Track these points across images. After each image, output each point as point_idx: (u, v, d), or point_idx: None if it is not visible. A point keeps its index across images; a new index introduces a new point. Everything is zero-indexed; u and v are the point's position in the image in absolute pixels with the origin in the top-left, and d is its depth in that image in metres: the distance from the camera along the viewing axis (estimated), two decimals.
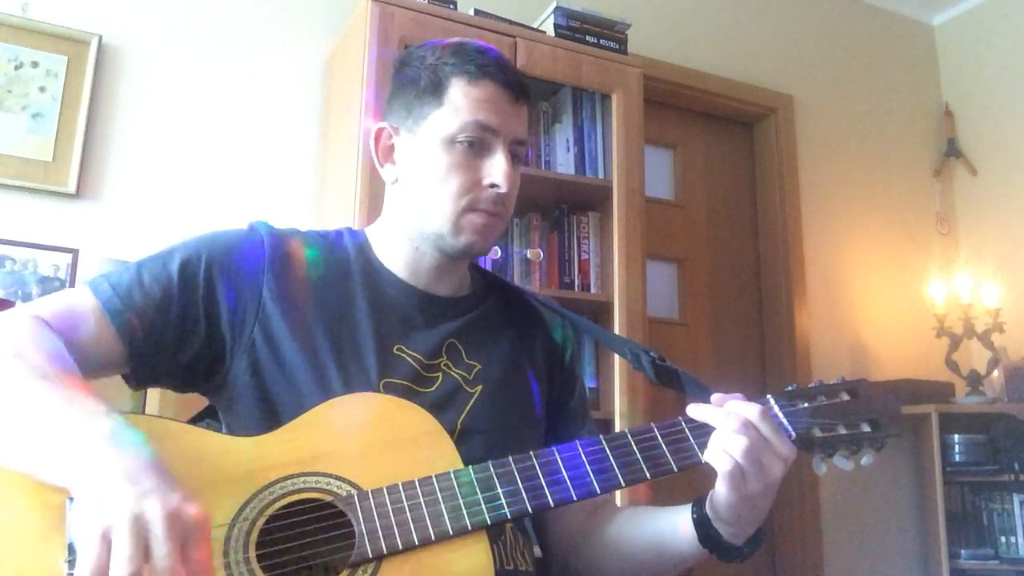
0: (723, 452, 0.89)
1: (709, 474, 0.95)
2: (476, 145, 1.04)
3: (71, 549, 0.76)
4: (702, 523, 0.96)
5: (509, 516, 0.87)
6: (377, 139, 1.12)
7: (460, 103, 1.04)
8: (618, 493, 2.15)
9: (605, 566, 1.07)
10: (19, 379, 0.81)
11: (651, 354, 1.12)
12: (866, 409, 0.99)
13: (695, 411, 0.94)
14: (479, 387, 1.05)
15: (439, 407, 0.99)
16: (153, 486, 0.71)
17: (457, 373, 1.05)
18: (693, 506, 0.98)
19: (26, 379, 0.81)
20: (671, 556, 1.01)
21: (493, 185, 1.04)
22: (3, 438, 0.80)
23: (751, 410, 0.91)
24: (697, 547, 0.96)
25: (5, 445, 0.80)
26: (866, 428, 0.98)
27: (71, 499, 0.78)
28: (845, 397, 1.00)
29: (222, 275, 1.00)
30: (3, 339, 0.86)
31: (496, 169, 1.04)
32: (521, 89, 1.08)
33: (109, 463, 0.73)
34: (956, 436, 3.21)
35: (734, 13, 3.53)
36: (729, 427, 0.90)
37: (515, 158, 1.07)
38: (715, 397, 0.96)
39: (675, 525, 1.00)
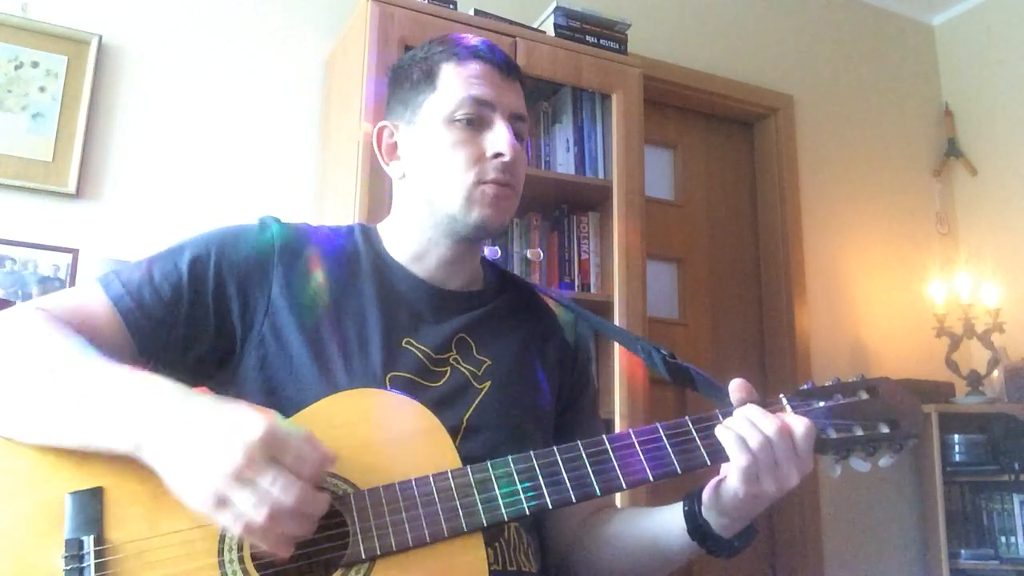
0: (740, 440, 0.88)
1: (708, 476, 0.94)
2: (475, 122, 1.05)
3: (68, 545, 0.77)
4: (692, 516, 0.96)
5: (506, 518, 0.86)
6: (379, 139, 1.13)
7: (452, 83, 1.05)
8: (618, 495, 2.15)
9: (600, 566, 1.07)
10: (52, 358, 0.84)
11: (663, 352, 1.11)
12: (885, 409, 0.95)
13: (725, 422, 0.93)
14: (488, 383, 1.04)
15: (446, 402, 0.99)
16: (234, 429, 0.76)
17: (466, 368, 1.04)
18: (684, 499, 0.98)
19: (59, 357, 0.84)
20: (662, 552, 1.01)
21: (498, 155, 1.04)
22: (52, 413, 0.81)
23: (799, 422, 0.91)
24: (687, 540, 0.96)
25: (54, 420, 0.81)
26: (884, 429, 0.94)
27: (71, 494, 0.79)
28: (864, 396, 0.96)
29: (232, 271, 1.00)
30: (21, 328, 0.87)
31: (498, 139, 1.04)
32: (510, 66, 1.10)
33: (183, 417, 0.78)
34: (956, 436, 3.21)
35: (734, 13, 3.53)
36: (752, 422, 0.90)
37: (517, 136, 1.07)
38: (734, 384, 0.96)
39: (665, 520, 1.00)
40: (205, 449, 0.75)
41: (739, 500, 0.90)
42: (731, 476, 0.89)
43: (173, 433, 0.77)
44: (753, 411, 0.91)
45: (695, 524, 0.95)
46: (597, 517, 1.11)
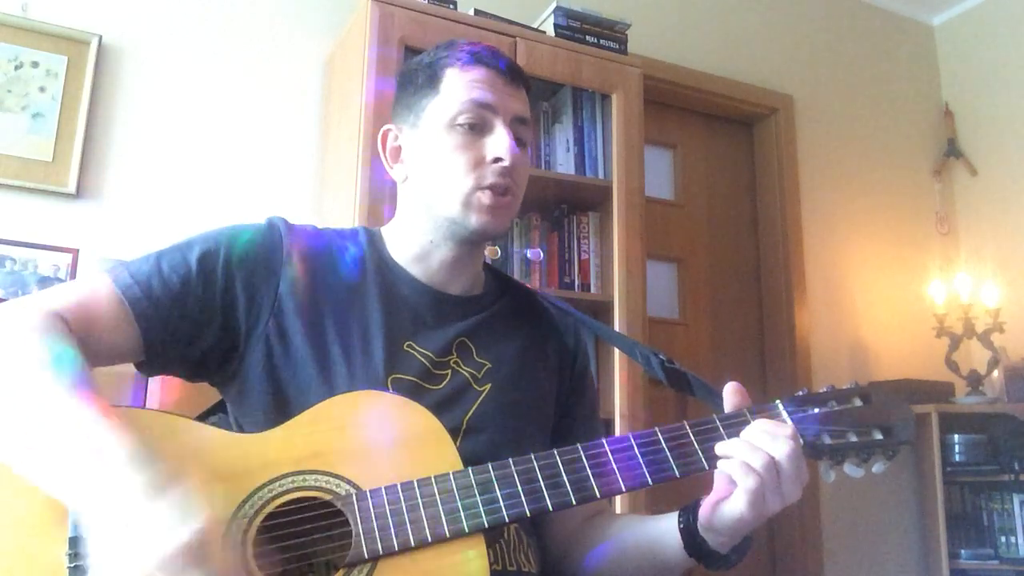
0: (745, 465, 0.88)
1: (706, 479, 0.94)
2: (477, 127, 1.06)
3: (72, 543, 0.77)
4: (689, 532, 0.95)
5: (507, 519, 0.86)
6: (384, 142, 1.14)
7: (456, 87, 1.06)
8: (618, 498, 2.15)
9: (598, 571, 1.07)
10: (23, 383, 0.81)
11: (660, 356, 1.12)
12: (878, 416, 0.96)
13: (722, 447, 0.91)
14: (488, 385, 1.05)
15: (446, 404, 1.00)
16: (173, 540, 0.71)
17: (466, 371, 1.05)
18: (680, 515, 0.97)
19: (30, 384, 0.81)
20: (659, 562, 1.01)
21: (497, 159, 1.04)
22: (8, 442, 0.80)
23: (784, 429, 0.90)
24: (684, 556, 0.96)
25: (10, 449, 0.80)
26: (878, 435, 0.95)
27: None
28: (857, 403, 0.97)
29: (240, 268, 1.01)
30: (10, 336, 0.85)
31: (499, 144, 1.05)
32: (515, 72, 1.10)
33: (121, 496, 0.73)
34: (956, 436, 3.21)
35: (734, 13, 3.53)
36: (755, 445, 0.89)
37: (519, 141, 1.08)
38: (728, 387, 0.96)
39: (662, 532, 0.99)
40: (135, 537, 0.72)
41: (744, 522, 0.90)
42: (737, 500, 0.88)
43: (107, 514, 0.73)
44: (755, 434, 0.90)
45: (692, 541, 0.95)
46: (595, 521, 1.11)
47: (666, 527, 0.99)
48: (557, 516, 1.08)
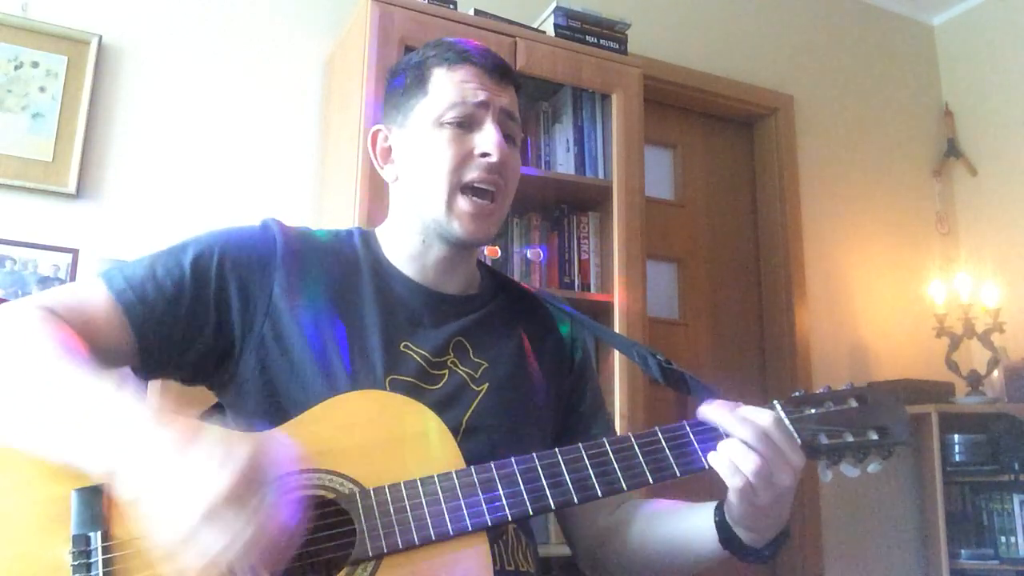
0: (733, 466, 0.88)
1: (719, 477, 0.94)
2: (465, 124, 1.06)
3: (75, 541, 0.77)
4: (723, 527, 0.96)
5: (510, 518, 0.87)
6: (374, 143, 1.15)
7: (443, 87, 1.07)
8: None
9: (632, 563, 1.08)
10: (34, 366, 0.82)
11: (658, 357, 1.12)
12: (874, 416, 0.97)
13: (707, 411, 0.93)
14: (485, 385, 1.05)
15: (445, 404, 0.99)
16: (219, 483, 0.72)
17: (464, 371, 1.05)
18: (716, 509, 0.98)
19: (45, 368, 0.82)
20: (694, 555, 1.02)
21: (484, 154, 1.04)
22: (30, 425, 0.80)
23: (764, 417, 0.90)
24: (719, 548, 0.97)
25: (32, 432, 0.80)
26: (873, 436, 0.96)
27: (77, 491, 0.78)
28: (853, 403, 0.98)
29: (234, 271, 1.01)
30: (13, 328, 0.86)
31: (486, 139, 1.05)
32: (504, 70, 1.10)
33: (153, 452, 0.74)
34: (956, 436, 3.21)
35: (734, 13, 3.53)
36: (741, 436, 0.89)
37: (509, 139, 1.08)
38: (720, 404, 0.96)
39: (697, 526, 1.00)
40: (176, 490, 0.72)
41: (748, 516, 0.91)
42: (729, 496, 0.91)
43: (146, 466, 0.74)
44: (735, 444, 0.91)
45: (727, 535, 0.96)
46: (623, 512, 1.12)
47: (700, 522, 0.99)
48: (584, 509, 1.09)
